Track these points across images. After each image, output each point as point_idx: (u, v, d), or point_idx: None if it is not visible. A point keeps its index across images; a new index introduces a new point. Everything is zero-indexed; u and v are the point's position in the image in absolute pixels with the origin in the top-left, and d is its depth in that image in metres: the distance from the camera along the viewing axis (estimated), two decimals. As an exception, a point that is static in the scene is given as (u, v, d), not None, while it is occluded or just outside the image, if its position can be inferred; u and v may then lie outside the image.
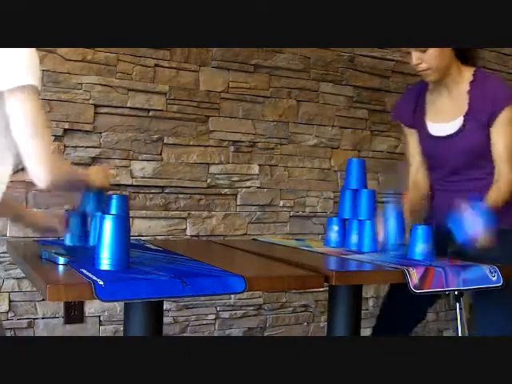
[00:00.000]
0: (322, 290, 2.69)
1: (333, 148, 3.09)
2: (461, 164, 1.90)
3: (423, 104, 1.99)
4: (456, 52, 1.87)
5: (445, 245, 1.85)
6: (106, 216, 1.32)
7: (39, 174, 1.34)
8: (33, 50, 1.34)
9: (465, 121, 1.87)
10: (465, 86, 1.88)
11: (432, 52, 1.80)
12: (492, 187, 1.82)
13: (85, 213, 1.64)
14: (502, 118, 1.82)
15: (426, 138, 1.97)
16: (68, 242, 1.65)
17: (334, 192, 3.07)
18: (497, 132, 1.84)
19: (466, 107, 1.87)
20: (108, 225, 1.31)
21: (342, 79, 3.10)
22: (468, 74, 1.89)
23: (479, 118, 1.84)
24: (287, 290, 2.93)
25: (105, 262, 1.31)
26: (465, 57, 1.90)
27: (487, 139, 1.85)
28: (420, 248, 1.70)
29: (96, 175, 1.63)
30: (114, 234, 1.31)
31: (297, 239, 2.41)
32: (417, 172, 2.05)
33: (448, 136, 1.91)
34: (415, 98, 2.01)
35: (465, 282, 1.55)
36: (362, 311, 1.88)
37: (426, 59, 1.82)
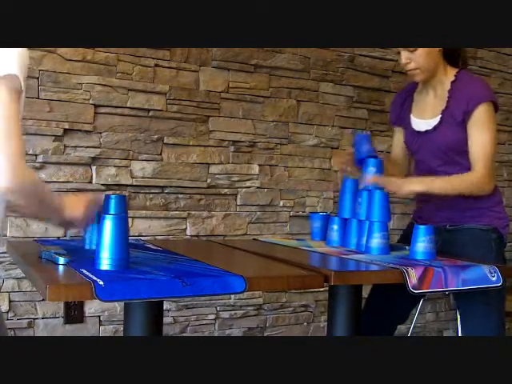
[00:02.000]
0: (322, 289, 2.69)
1: (333, 148, 3.09)
2: (438, 160, 1.96)
3: (410, 102, 2.07)
4: (444, 53, 1.93)
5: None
6: (106, 216, 1.32)
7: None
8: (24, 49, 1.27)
9: (441, 118, 1.93)
10: (447, 86, 1.94)
11: (420, 52, 1.87)
12: (465, 173, 1.88)
13: None
14: (477, 115, 1.86)
15: (410, 133, 2.06)
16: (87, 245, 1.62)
17: (334, 192, 3.07)
18: (472, 130, 1.88)
19: (444, 105, 1.93)
20: (108, 225, 1.31)
21: (342, 79, 3.10)
22: (451, 74, 1.95)
23: (455, 116, 1.90)
24: (287, 290, 2.93)
25: (105, 262, 1.31)
26: (454, 58, 1.96)
27: (463, 137, 1.90)
28: (421, 247, 1.71)
29: (73, 205, 1.42)
30: (113, 234, 1.31)
31: (297, 239, 2.41)
32: (394, 158, 2.16)
33: (426, 132, 1.98)
34: (404, 98, 2.10)
35: (464, 282, 1.56)
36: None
37: (414, 59, 1.89)
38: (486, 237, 1.91)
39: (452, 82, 1.93)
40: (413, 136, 2.04)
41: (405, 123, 2.07)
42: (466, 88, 1.90)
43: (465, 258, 1.76)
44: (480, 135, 1.86)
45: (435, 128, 1.94)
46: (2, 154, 1.16)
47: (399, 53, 1.92)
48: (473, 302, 1.82)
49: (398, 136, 2.13)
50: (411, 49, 1.86)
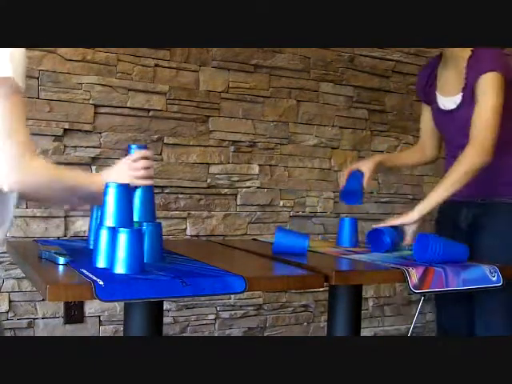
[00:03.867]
0: (322, 289, 2.69)
1: (333, 148, 3.09)
2: (464, 139, 1.87)
3: (434, 78, 2.05)
4: None
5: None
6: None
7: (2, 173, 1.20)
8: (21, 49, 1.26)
9: (463, 96, 1.91)
10: (465, 62, 1.90)
11: None
12: (455, 163, 1.82)
13: None
14: (480, 85, 1.81)
15: (436, 111, 2.04)
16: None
17: (333, 192, 3.07)
18: (476, 97, 1.83)
19: (463, 82, 1.90)
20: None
21: (342, 79, 3.10)
22: (469, 49, 1.90)
23: (473, 93, 1.86)
24: (287, 290, 2.93)
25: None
26: None
27: None
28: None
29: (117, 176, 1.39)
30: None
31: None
32: (422, 144, 2.16)
33: (451, 110, 1.97)
34: (428, 73, 2.08)
35: (465, 281, 1.56)
36: (362, 311, 1.88)
37: None
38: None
39: (468, 58, 1.88)
40: (438, 114, 2.03)
41: (430, 100, 2.06)
42: (478, 59, 1.85)
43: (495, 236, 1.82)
44: (478, 105, 1.81)
45: (459, 107, 1.93)
46: (4, 154, 1.19)
47: None
48: (493, 301, 1.83)
49: (425, 114, 2.12)
50: None
